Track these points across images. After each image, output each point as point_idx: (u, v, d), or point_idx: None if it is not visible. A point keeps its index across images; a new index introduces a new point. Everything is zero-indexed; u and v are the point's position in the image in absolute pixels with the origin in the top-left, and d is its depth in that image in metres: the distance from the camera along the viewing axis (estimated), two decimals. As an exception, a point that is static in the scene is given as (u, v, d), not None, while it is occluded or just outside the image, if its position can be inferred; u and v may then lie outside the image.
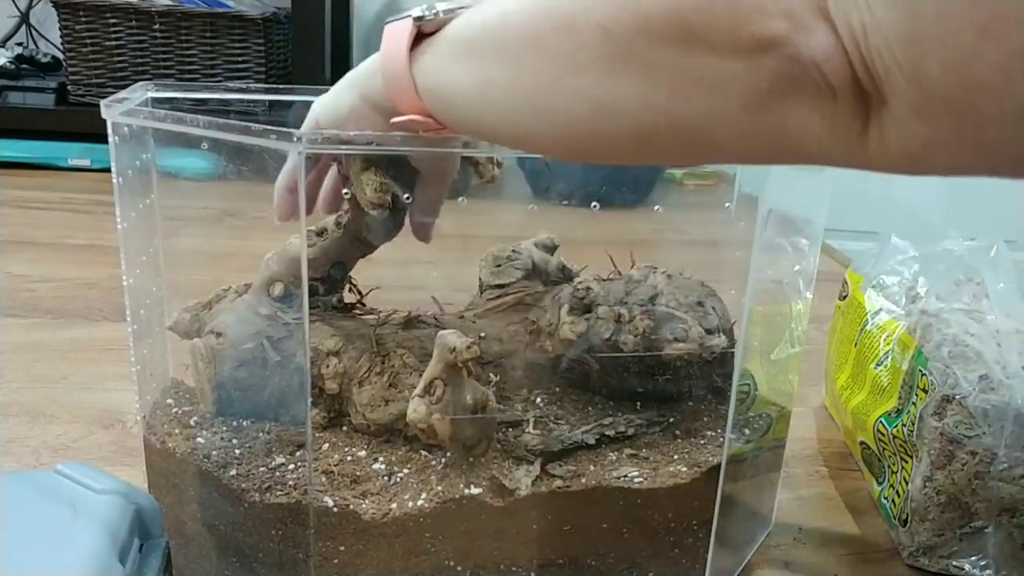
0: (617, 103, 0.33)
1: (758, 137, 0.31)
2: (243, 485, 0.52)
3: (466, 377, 0.51)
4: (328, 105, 0.49)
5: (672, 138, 0.33)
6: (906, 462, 0.65)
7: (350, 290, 0.61)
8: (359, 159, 0.50)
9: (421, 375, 0.52)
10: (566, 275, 0.66)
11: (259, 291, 0.56)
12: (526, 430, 0.55)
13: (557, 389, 0.61)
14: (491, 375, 0.54)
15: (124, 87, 0.55)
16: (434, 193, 0.53)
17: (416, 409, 0.51)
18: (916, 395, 0.64)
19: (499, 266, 0.64)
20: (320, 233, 0.57)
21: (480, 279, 0.65)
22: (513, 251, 0.65)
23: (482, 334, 0.54)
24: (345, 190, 0.53)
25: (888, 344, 0.71)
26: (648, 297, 0.59)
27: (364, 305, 0.62)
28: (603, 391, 0.60)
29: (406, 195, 0.52)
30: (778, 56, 0.29)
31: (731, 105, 0.31)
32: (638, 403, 0.60)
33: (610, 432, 0.57)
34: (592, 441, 0.56)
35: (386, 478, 0.53)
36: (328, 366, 0.55)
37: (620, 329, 0.57)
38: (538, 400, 0.59)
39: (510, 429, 0.55)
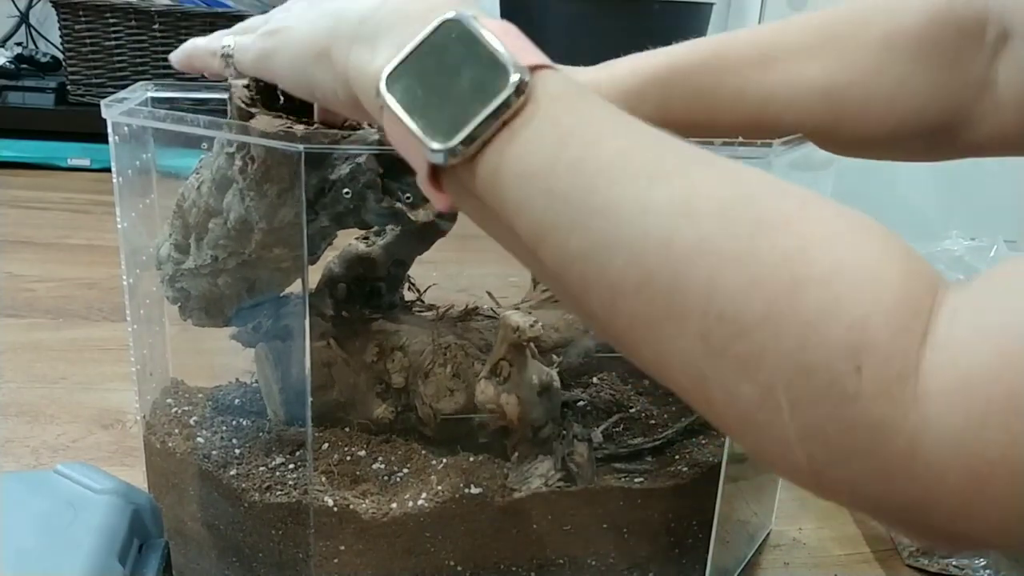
0: None
1: None
2: (243, 485, 0.52)
3: (530, 358, 0.51)
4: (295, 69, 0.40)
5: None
6: (906, 462, 0.65)
7: (408, 287, 0.62)
8: None
9: (483, 364, 0.53)
10: None
11: (322, 293, 0.56)
12: (602, 430, 0.55)
13: (616, 377, 0.60)
14: (554, 356, 0.55)
15: (124, 87, 0.55)
16: None
17: (484, 390, 0.51)
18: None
19: None
20: (379, 233, 0.58)
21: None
22: None
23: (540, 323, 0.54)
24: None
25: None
26: None
27: (423, 302, 0.62)
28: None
29: None
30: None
31: None
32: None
33: (661, 442, 0.58)
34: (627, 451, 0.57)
35: (386, 478, 0.53)
36: (394, 360, 0.56)
37: None
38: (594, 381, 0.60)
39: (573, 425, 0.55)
